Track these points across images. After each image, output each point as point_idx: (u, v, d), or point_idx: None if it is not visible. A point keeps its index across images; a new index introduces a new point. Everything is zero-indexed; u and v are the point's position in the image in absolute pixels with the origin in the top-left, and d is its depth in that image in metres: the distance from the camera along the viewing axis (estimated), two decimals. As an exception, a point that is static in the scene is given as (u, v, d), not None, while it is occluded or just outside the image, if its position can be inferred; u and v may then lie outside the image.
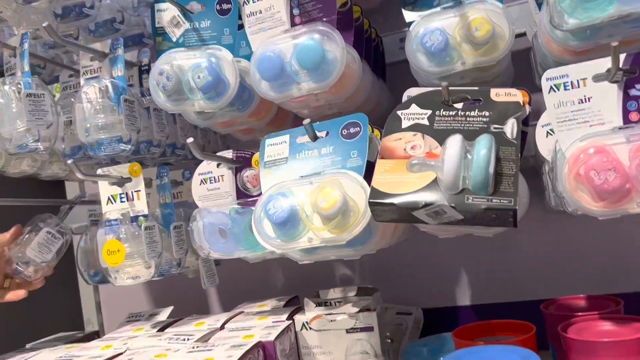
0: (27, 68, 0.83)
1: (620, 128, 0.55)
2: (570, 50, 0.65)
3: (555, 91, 0.58)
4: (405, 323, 0.99)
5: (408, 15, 0.75)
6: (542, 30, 0.69)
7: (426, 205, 0.55)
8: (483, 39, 0.67)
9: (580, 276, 1.00)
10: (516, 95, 0.61)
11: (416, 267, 1.10)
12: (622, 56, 0.54)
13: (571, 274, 1.01)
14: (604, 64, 0.55)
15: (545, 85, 0.58)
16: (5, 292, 0.93)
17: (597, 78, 0.56)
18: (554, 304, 0.84)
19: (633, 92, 0.56)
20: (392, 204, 0.56)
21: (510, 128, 0.58)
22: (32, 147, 0.83)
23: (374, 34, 0.93)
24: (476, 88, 0.64)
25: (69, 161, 0.77)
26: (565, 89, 0.57)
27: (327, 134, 0.69)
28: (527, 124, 0.62)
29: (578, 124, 0.57)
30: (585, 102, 0.56)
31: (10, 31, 0.93)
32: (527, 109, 0.61)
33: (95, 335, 1.05)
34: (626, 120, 0.55)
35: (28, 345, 1.02)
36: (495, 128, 0.58)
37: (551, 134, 0.66)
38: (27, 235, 0.91)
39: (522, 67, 0.87)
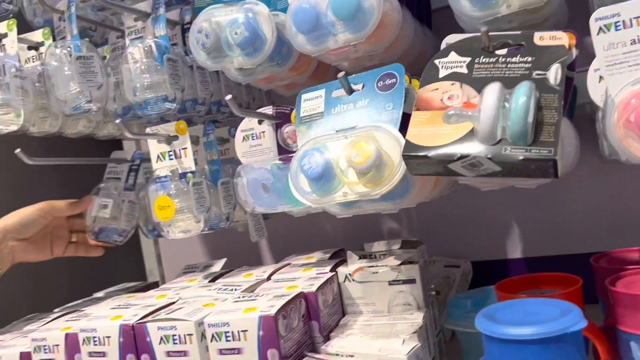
0: (75, 31, 0.86)
1: (677, 70, 0.51)
2: (627, -15, 0.60)
3: (605, 32, 0.54)
4: (452, 276, 1.00)
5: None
6: (596, -36, 0.64)
7: (462, 157, 0.55)
8: (529, -22, 0.63)
9: (636, 228, 0.96)
10: (562, 38, 0.58)
11: (466, 220, 1.09)
12: (683, -12, 0.50)
13: (626, 225, 0.97)
14: (662, -1, 0.51)
15: (593, 26, 0.55)
16: (79, 246, 1.04)
17: (654, 15, 0.52)
18: (605, 257, 0.82)
19: (694, 29, 0.51)
20: (426, 157, 0.56)
21: (554, 74, 0.56)
22: (86, 108, 0.87)
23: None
24: (518, 32, 0.61)
25: (117, 120, 0.80)
26: (616, 29, 0.54)
27: (363, 86, 0.69)
28: (573, 68, 0.59)
29: (630, 67, 0.53)
30: (638, 42, 0.52)
31: (60, -6, 0.96)
32: (574, 52, 0.58)
33: (155, 285, 1.13)
34: (685, 61, 0.51)
35: (99, 294, 1.11)
36: (537, 74, 0.57)
37: (604, 79, 0.63)
38: (114, 206, 1.01)
39: (579, 7, 0.82)
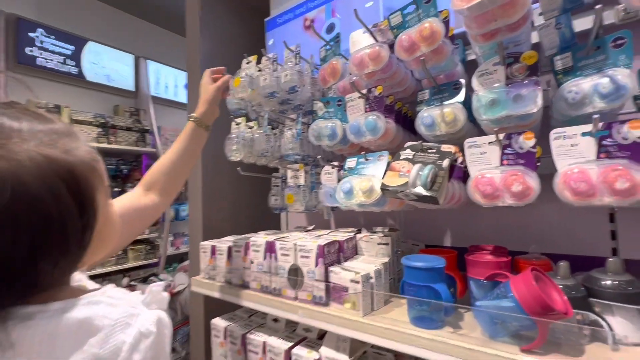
0: (265, 123, 1.09)
1: None
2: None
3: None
4: (415, 248, 1.03)
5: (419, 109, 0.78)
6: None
7: (401, 191, 0.66)
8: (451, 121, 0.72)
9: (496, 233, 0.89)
10: (452, 148, 0.68)
11: (424, 223, 1.05)
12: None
13: (490, 231, 0.90)
14: None
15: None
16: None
17: None
18: (477, 247, 0.79)
19: None
20: (388, 190, 0.68)
21: (445, 163, 0.66)
22: (267, 155, 1.09)
23: (410, 113, 0.94)
24: (435, 144, 0.71)
25: (276, 160, 1.01)
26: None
27: (371, 159, 0.80)
28: (456, 161, 0.69)
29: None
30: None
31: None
32: (457, 155, 0.68)
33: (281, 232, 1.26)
34: None
35: (259, 232, 1.18)
36: (438, 162, 0.67)
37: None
38: None
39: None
